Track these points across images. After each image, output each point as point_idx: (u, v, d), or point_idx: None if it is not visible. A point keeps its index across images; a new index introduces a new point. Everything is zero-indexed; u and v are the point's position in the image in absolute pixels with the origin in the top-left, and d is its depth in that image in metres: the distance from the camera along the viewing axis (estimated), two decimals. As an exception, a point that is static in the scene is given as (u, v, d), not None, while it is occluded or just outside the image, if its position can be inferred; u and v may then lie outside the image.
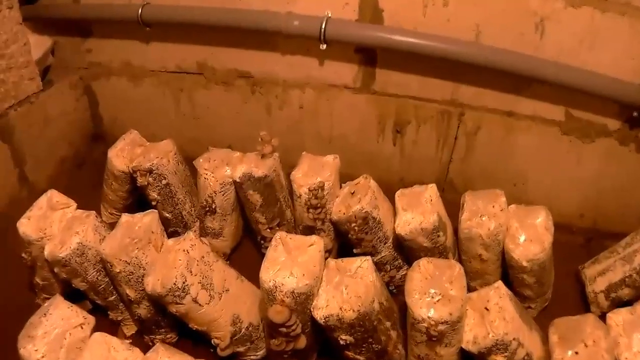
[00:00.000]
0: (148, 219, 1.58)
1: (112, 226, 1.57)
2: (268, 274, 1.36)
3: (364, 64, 1.83)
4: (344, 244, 1.71)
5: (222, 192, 1.73)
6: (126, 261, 1.52)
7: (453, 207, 1.62)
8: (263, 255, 1.38)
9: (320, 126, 2.01)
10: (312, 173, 1.67)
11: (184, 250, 1.47)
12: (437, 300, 1.32)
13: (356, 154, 2.01)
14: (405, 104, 1.86)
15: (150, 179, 1.81)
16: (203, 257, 1.51)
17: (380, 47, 1.75)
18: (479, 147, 1.86)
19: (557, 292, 1.63)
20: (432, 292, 1.34)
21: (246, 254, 1.93)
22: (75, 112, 2.29)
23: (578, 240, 1.89)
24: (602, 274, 1.59)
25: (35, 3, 2.09)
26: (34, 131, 2.04)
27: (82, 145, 2.34)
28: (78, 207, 1.64)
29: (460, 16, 1.61)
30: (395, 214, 1.58)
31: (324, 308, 1.35)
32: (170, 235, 1.96)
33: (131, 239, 1.53)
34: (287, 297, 1.35)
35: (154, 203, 1.87)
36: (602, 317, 1.32)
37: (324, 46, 1.73)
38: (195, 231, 1.96)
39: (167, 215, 1.90)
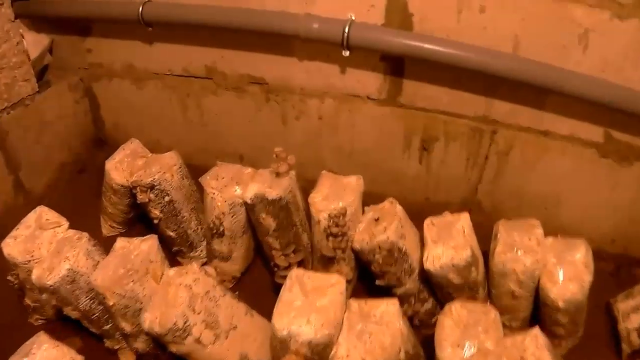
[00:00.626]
0: (146, 246, 1.36)
1: (112, 241, 1.41)
2: (282, 321, 1.14)
3: (390, 74, 1.63)
4: (364, 269, 1.53)
5: (232, 214, 1.50)
6: (120, 294, 1.30)
7: (481, 230, 1.46)
8: (276, 283, 1.13)
9: (340, 139, 1.82)
10: (333, 196, 1.44)
11: (186, 286, 1.25)
12: (472, 355, 1.14)
13: (379, 170, 1.82)
14: (434, 119, 1.66)
15: (151, 195, 1.58)
16: (208, 292, 1.29)
17: (409, 56, 1.52)
18: (511, 167, 1.67)
19: (586, 326, 1.48)
20: (466, 346, 1.15)
21: (258, 278, 1.73)
22: (74, 115, 2.11)
23: (608, 267, 1.73)
24: (636, 310, 1.45)
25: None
26: (29, 136, 1.88)
27: (83, 151, 2.18)
28: (77, 216, 1.53)
29: (498, 24, 1.42)
30: (422, 242, 1.43)
31: (344, 359, 1.14)
32: (174, 255, 1.74)
33: (126, 269, 1.31)
34: (303, 347, 1.12)
35: (156, 221, 1.64)
36: (634, 354, 1.27)
37: (347, 53, 1.50)
38: (202, 251, 1.73)
39: (171, 233, 1.67)
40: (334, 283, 1.22)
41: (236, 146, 1.99)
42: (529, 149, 1.61)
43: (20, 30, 1.84)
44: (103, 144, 2.23)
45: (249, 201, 1.45)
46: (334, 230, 1.40)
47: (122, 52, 1.94)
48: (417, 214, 1.49)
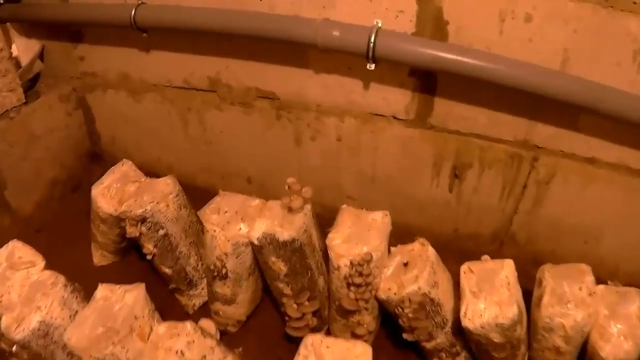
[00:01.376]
0: (131, 299, 1.09)
1: (104, 271, 1.35)
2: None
3: (420, 91, 1.39)
4: (388, 318, 1.30)
5: (236, 255, 1.23)
6: (99, 358, 1.01)
7: (516, 267, 1.28)
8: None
9: (361, 164, 1.57)
10: (356, 238, 1.17)
11: (177, 352, 0.96)
12: None
13: (403, 198, 1.59)
14: (468, 143, 1.43)
15: (143, 228, 1.31)
16: (205, 356, 1.00)
17: (442, 70, 1.25)
18: (551, 197, 1.45)
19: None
20: None
21: (267, 322, 1.45)
22: (67, 128, 1.88)
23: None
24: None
25: (18, 2, 1.68)
26: (15, 151, 1.68)
27: (77, 166, 1.96)
28: (68, 239, 1.49)
29: (545, 37, 1.20)
30: (455, 286, 1.24)
31: None
32: (170, 293, 1.47)
33: (106, 328, 1.04)
34: None
35: (149, 257, 1.36)
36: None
37: (372, 66, 1.24)
38: (202, 289, 1.45)
39: (167, 270, 1.40)
40: (359, 355, 0.94)
41: (243, 167, 1.77)
42: (572, 177, 1.40)
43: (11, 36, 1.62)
44: (99, 158, 2.01)
45: (255, 242, 1.18)
46: (357, 280, 1.12)
47: (117, 60, 1.72)
48: (445, 246, 1.32)
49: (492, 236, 1.57)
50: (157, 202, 1.31)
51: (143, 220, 1.31)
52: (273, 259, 1.18)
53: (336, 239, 1.17)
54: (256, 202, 1.28)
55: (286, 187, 1.19)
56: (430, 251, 1.22)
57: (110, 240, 1.54)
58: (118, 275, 1.52)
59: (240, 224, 1.22)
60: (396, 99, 1.41)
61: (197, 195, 1.51)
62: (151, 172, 1.88)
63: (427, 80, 1.35)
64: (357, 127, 1.49)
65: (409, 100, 1.40)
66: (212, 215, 1.24)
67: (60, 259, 1.41)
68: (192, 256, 1.42)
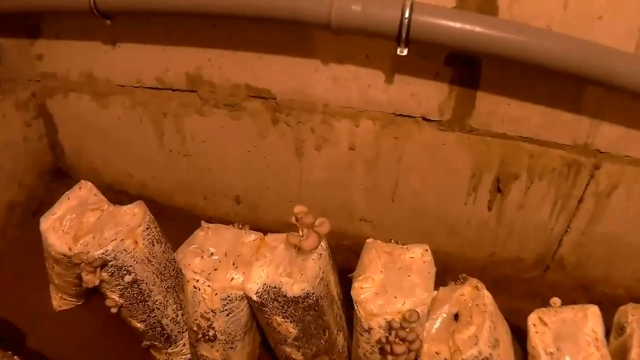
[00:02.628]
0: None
1: (64, 316, 1.14)
2: None
3: (459, 83, 1.07)
4: None
5: (227, 312, 0.84)
6: None
7: (558, 292, 1.16)
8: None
9: (379, 178, 1.25)
10: (393, 288, 0.81)
11: None
12: None
13: (431, 220, 1.28)
14: (516, 149, 1.13)
15: (104, 274, 0.91)
16: None
17: (489, 54, 0.94)
18: (611, 213, 1.18)
19: None
20: None
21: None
22: (25, 141, 1.56)
23: None
24: None
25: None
26: None
27: (38, 186, 1.63)
28: (26, 275, 1.23)
29: (618, 13, 0.93)
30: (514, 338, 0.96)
31: None
32: (147, 351, 1.07)
33: None
34: None
35: (114, 310, 0.97)
36: None
37: (404, 50, 0.85)
38: (184, 345, 1.06)
39: (138, 325, 1.02)
40: None
41: (230, 184, 1.44)
42: (637, 188, 1.14)
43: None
44: (64, 176, 1.67)
45: (254, 297, 0.79)
46: (398, 349, 0.74)
47: (79, 57, 1.39)
48: (477, 273, 1.05)
49: (536, 260, 1.30)
50: (122, 240, 0.93)
51: (103, 264, 0.91)
52: (279, 319, 0.80)
53: (365, 291, 0.79)
54: (251, 237, 0.89)
55: (293, 219, 0.81)
56: (487, 297, 0.92)
57: (69, 283, 1.16)
58: (81, 323, 1.24)
59: (231, 271, 0.83)
60: (428, 94, 1.09)
61: (176, 218, 1.32)
62: (122, 191, 1.60)
63: (469, 70, 1.04)
64: (376, 132, 1.18)
65: (445, 95, 1.08)
66: (193, 258, 0.85)
67: (15, 301, 1.25)
68: (170, 305, 1.03)
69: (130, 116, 1.40)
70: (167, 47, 1.25)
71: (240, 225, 0.98)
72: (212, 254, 0.87)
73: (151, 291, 1.01)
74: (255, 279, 0.81)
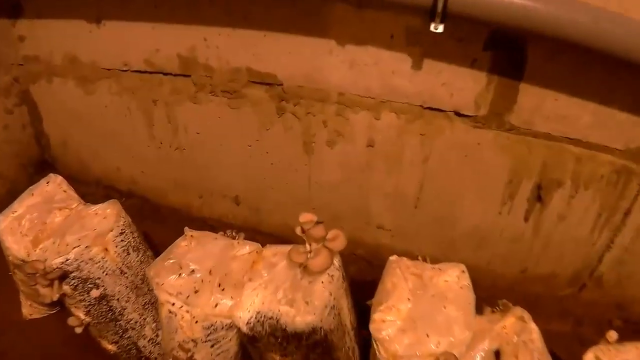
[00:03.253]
0: None
1: (35, 325, 0.94)
2: None
3: (498, 72, 0.89)
4: None
5: (211, 343, 0.64)
6: None
7: (592, 312, 1.07)
8: None
9: (402, 180, 1.05)
10: (423, 322, 0.62)
11: None
12: None
13: (459, 229, 1.08)
14: (561, 152, 0.96)
15: (66, 287, 0.72)
16: None
17: (538, 33, 0.76)
18: None
19: None
20: None
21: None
22: (7, 130, 1.40)
23: None
24: None
25: None
26: None
27: (21, 179, 1.48)
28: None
29: None
30: None
31: None
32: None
33: None
34: None
35: (79, 330, 0.78)
36: None
37: (440, 27, 0.65)
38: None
39: (110, 347, 0.82)
40: None
41: (229, 183, 1.25)
42: None
43: None
44: (50, 168, 1.50)
45: (245, 329, 0.60)
46: (431, 405, 0.55)
47: (63, 38, 1.22)
48: (506, 290, 1.03)
49: (572, 278, 1.13)
50: (87, 247, 0.74)
51: (63, 276, 0.72)
52: (276, 357, 0.60)
53: (389, 326, 0.60)
54: (245, 250, 0.70)
55: (298, 231, 0.61)
56: (535, 332, 0.75)
57: (35, 290, 0.96)
58: (49, 335, 1.07)
59: (216, 294, 0.63)
60: (463, 85, 0.91)
61: (170, 219, 1.15)
62: (111, 186, 1.41)
63: (512, 55, 0.87)
64: (400, 128, 0.99)
65: (482, 87, 0.91)
66: (169, 276, 0.66)
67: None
68: (149, 324, 0.85)
69: (117, 104, 1.23)
70: (157, 25, 1.08)
71: (234, 233, 0.79)
72: (192, 270, 0.68)
73: (124, 308, 0.82)
74: (247, 306, 0.61)
